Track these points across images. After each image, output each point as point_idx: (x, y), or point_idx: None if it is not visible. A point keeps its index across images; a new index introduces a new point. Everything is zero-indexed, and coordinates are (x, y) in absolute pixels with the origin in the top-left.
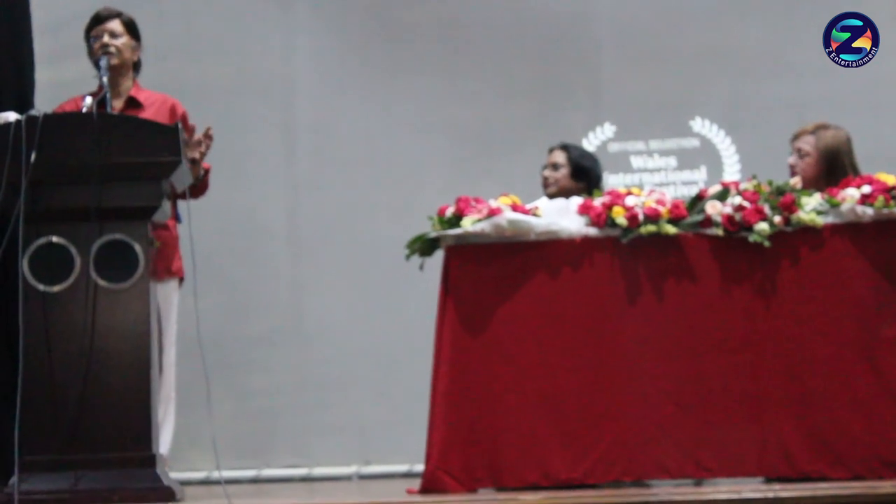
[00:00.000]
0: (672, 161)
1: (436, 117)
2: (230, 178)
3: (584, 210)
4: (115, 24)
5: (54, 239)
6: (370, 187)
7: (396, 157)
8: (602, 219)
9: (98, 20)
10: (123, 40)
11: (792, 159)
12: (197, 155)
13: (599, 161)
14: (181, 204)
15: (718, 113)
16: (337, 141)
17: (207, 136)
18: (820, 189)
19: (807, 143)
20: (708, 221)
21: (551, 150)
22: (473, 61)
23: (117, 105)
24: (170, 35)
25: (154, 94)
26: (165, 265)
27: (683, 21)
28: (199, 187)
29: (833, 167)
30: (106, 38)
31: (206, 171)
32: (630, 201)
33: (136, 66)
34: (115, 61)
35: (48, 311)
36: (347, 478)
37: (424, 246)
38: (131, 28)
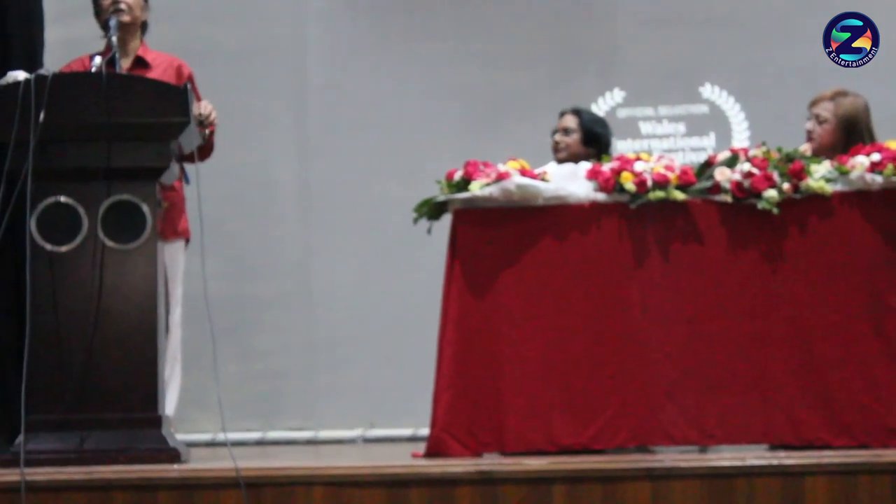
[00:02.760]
0: (681, 127)
1: (447, 81)
2: (240, 140)
3: (592, 175)
4: None
5: (62, 199)
6: (380, 150)
7: (407, 121)
8: (610, 184)
9: None
10: None
11: (809, 125)
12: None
13: (609, 126)
14: (189, 165)
15: (728, 79)
16: (347, 104)
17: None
18: (836, 156)
19: (825, 110)
20: (716, 188)
21: (562, 114)
22: (485, 25)
23: (125, 65)
24: None
25: (161, 54)
26: (172, 226)
27: None
28: (204, 148)
29: (850, 134)
30: None
31: (211, 133)
32: (639, 167)
33: (144, 26)
34: (126, 19)
35: (55, 270)
36: (352, 441)
37: (432, 210)
38: None
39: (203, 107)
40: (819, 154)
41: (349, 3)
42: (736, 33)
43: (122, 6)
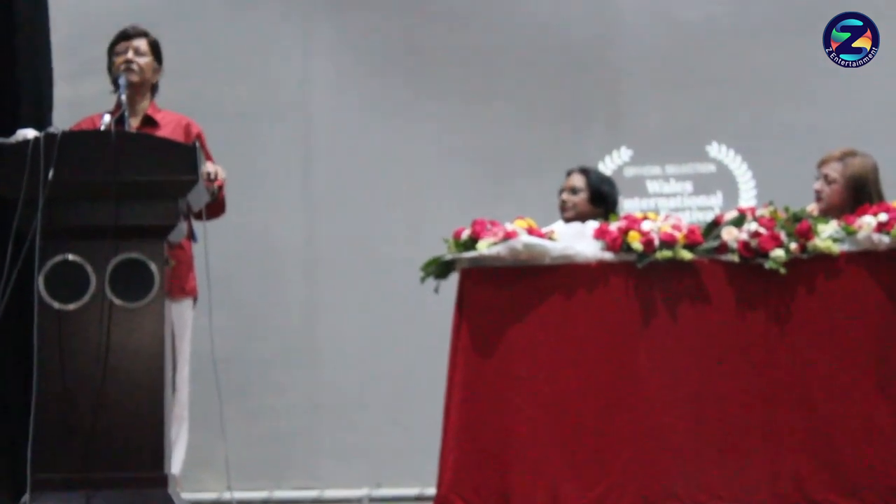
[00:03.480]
0: (688, 186)
1: (453, 140)
2: (247, 199)
3: (599, 234)
4: (142, 43)
5: (70, 257)
6: (386, 209)
7: (413, 180)
8: (618, 243)
9: (125, 36)
10: (146, 60)
11: (818, 185)
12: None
13: (616, 185)
14: (197, 223)
15: (735, 138)
16: (353, 163)
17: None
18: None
19: (834, 170)
20: (724, 247)
21: (570, 174)
22: (491, 85)
23: (134, 123)
24: (189, 55)
25: (169, 113)
26: (180, 284)
27: (701, 46)
28: (215, 206)
29: (859, 195)
30: (130, 55)
31: (220, 188)
32: (646, 226)
33: (154, 88)
34: (134, 79)
35: (63, 328)
36: (358, 501)
37: (439, 269)
38: (156, 50)
39: (209, 166)
40: (828, 214)
41: (356, 62)
42: (742, 93)
43: (134, 66)
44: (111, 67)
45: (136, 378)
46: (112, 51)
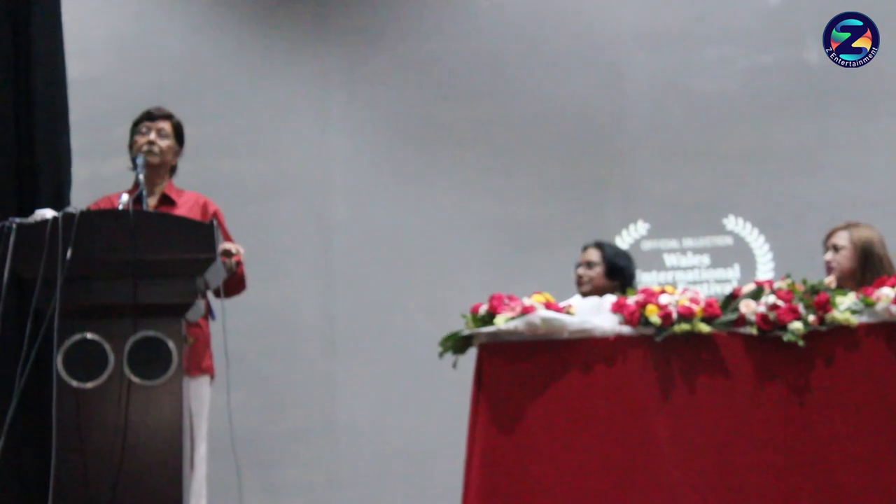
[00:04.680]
0: (705, 259)
1: (470, 215)
2: (265, 275)
3: (617, 308)
4: (165, 125)
5: (88, 335)
6: (404, 285)
7: (430, 255)
8: (635, 317)
9: (150, 117)
10: (168, 142)
11: (828, 256)
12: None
13: (633, 259)
14: (214, 301)
15: (752, 211)
16: (371, 238)
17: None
18: (857, 282)
19: (841, 238)
20: (742, 320)
21: (585, 248)
22: (507, 159)
23: (151, 202)
24: (206, 133)
25: (187, 192)
26: (197, 362)
27: (716, 120)
28: (235, 283)
29: (868, 259)
30: (153, 136)
31: (239, 263)
32: (664, 300)
33: (173, 169)
34: (155, 161)
35: (81, 407)
36: None
37: (458, 344)
38: (178, 132)
39: (227, 245)
40: (841, 282)
41: (373, 138)
42: (757, 165)
43: (156, 149)
44: (132, 145)
45: (154, 455)
46: (135, 129)
